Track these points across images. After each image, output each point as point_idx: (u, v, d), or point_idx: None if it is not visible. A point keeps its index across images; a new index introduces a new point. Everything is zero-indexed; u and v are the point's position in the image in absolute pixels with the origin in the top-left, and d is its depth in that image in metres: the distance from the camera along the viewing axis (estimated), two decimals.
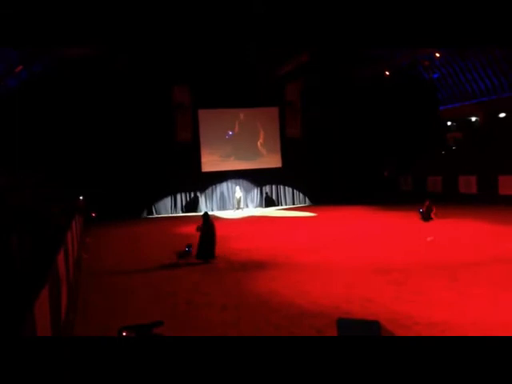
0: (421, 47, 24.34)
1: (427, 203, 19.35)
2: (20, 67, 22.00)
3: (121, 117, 26.47)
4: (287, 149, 30.01)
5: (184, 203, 28.61)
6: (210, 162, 29.04)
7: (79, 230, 17.84)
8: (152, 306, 9.03)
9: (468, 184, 25.52)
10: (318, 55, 26.11)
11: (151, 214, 27.67)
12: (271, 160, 30.05)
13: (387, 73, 29.84)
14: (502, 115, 29.58)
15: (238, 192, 28.11)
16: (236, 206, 27.78)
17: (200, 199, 28.81)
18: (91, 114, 25.93)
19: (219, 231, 17.57)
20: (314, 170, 29.61)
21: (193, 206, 28.47)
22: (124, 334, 5.25)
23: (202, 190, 28.91)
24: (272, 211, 27.55)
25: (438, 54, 27.95)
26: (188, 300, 9.36)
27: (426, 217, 18.94)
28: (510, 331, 6.58)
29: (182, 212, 28.08)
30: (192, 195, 28.79)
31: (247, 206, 29.00)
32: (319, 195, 29.42)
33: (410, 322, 7.23)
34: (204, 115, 28.95)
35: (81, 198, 23.05)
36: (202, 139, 28.93)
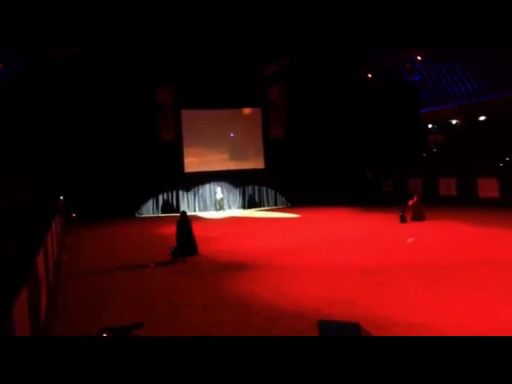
0: (414, 46, 24.42)
1: (415, 199, 19.42)
2: (0, 66, 21.74)
3: (103, 117, 26.32)
4: (270, 150, 30.08)
5: (166, 204, 28.50)
6: (193, 163, 28.99)
7: (59, 231, 17.66)
8: (132, 307, 8.97)
9: (448, 186, 25.80)
10: (302, 57, 26.24)
11: (133, 214, 27.51)
12: (254, 161, 30.10)
13: (370, 75, 30.08)
14: (482, 118, 29.99)
15: (219, 193, 28.21)
16: (218, 206, 27.86)
17: (182, 200, 28.72)
18: (73, 114, 25.75)
19: (201, 232, 17.55)
20: (296, 172, 29.72)
21: (175, 206, 28.37)
22: (104, 335, 5.21)
23: (185, 190, 28.84)
24: (254, 212, 27.58)
25: (419, 57, 28.24)
26: (168, 301, 9.32)
27: (418, 214, 18.98)
28: (490, 333, 6.66)
29: (164, 213, 27.96)
30: (174, 196, 28.69)
31: (229, 207, 28.97)
32: (302, 196, 29.52)
33: (389, 324, 7.27)
34: (187, 116, 28.88)
35: (61, 198, 22.82)
36: (185, 140, 28.87)
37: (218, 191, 28.34)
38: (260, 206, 29.71)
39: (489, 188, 23.23)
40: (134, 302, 9.36)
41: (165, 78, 27.05)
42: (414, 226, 17.89)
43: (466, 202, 23.39)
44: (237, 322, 7.82)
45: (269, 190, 30.20)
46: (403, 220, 18.74)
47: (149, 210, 28.08)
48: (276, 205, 30.05)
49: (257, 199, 30.01)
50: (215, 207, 28.12)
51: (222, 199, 28.19)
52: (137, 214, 27.52)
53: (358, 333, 4.12)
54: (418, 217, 19.00)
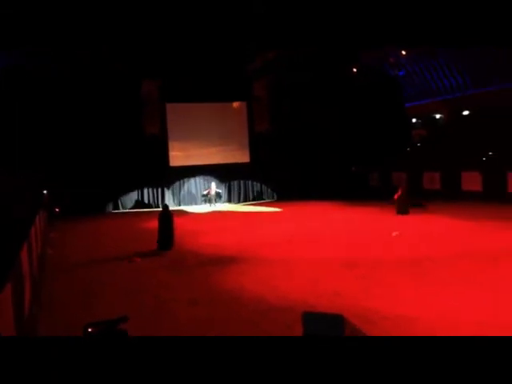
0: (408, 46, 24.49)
1: (400, 193, 19.49)
2: None
3: (87, 110, 26.06)
4: (256, 144, 30.06)
5: (151, 198, 28.34)
6: (178, 157, 28.84)
7: (43, 225, 17.47)
8: (119, 301, 8.90)
9: (432, 180, 26.01)
10: (287, 52, 26.22)
11: (117, 208, 27.32)
12: (239, 155, 30.03)
13: (355, 70, 30.17)
14: (466, 113, 30.23)
15: (214, 188, 27.96)
16: (213, 201, 27.73)
17: (167, 194, 28.58)
18: (55, 107, 25.43)
19: (187, 226, 17.50)
20: (282, 166, 29.72)
21: (160, 200, 28.22)
22: (89, 330, 5.15)
23: (170, 184, 28.70)
24: (240, 206, 27.56)
25: (403, 52, 28.36)
26: (156, 295, 9.27)
27: (403, 208, 19.07)
28: (475, 326, 6.73)
29: (149, 207, 27.80)
30: (159, 190, 28.53)
31: (215, 201, 28.92)
32: (287, 190, 29.53)
33: (377, 317, 7.31)
34: (172, 109, 28.73)
35: (45, 192, 22.57)
36: (169, 133, 28.72)
37: (213, 186, 27.97)
38: (246, 200, 29.68)
39: (472, 182, 23.47)
40: (121, 297, 9.29)
41: (150, 72, 26.84)
42: (398, 220, 17.99)
43: (449, 196, 23.60)
44: (226, 315, 7.80)
45: (254, 183, 30.17)
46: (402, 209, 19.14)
47: (133, 203, 27.88)
48: (262, 199, 30.04)
49: (242, 193, 29.97)
50: (209, 201, 27.85)
51: (216, 193, 28.01)
52: (121, 208, 27.33)
53: (341, 325, 4.13)
54: (402, 210, 19.05)
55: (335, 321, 4.29)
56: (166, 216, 14.58)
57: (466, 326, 6.72)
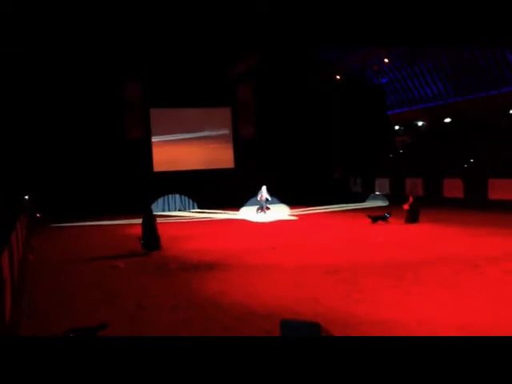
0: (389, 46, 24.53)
1: (411, 201, 18.63)
2: None
3: (68, 114, 25.84)
4: (240, 149, 30.09)
5: (134, 203, 28.13)
6: (162, 162, 28.75)
7: (24, 231, 17.32)
8: (100, 307, 8.87)
9: (414, 186, 26.25)
10: (271, 57, 26.34)
11: (100, 213, 27.09)
12: (224, 160, 30.04)
13: (338, 77, 30.41)
14: (448, 120, 30.62)
15: (265, 192, 24.67)
16: (264, 207, 24.59)
17: (151, 199, 28.41)
18: (36, 112, 25.17)
19: (169, 232, 17.45)
20: (266, 171, 29.71)
21: (143, 205, 28.01)
22: (70, 336, 5.15)
23: (153, 189, 28.55)
24: (223, 212, 27.52)
25: (386, 60, 28.66)
26: (136, 300, 9.25)
27: (412, 217, 18.21)
28: (453, 329, 6.83)
29: (132, 212, 27.59)
30: (143, 195, 28.35)
31: (198, 207, 28.86)
32: (271, 196, 29.53)
33: (356, 322, 7.38)
34: (156, 114, 28.67)
35: (26, 197, 22.37)
36: (153, 138, 28.65)
37: (264, 190, 24.60)
38: (229, 206, 29.62)
39: (453, 188, 23.74)
40: (102, 303, 9.25)
41: (133, 75, 26.76)
42: (379, 226, 18.13)
43: (431, 202, 23.84)
44: (206, 321, 7.82)
45: (238, 189, 30.12)
46: (374, 221, 18.50)
47: (116, 209, 27.66)
48: (245, 205, 30.01)
49: (226, 198, 29.88)
50: (260, 208, 24.64)
51: (266, 199, 24.57)
52: (103, 214, 27.10)
53: (317, 332, 4.21)
54: (412, 219, 18.19)
55: (312, 328, 4.38)
56: (150, 217, 14.87)
57: (445, 329, 6.82)
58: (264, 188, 24.80)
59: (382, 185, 28.52)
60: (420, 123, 33.14)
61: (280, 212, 25.08)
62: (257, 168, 29.57)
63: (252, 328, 7.30)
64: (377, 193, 18.01)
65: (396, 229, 17.35)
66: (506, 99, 26.23)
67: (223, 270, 11.74)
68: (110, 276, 11.78)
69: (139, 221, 15.67)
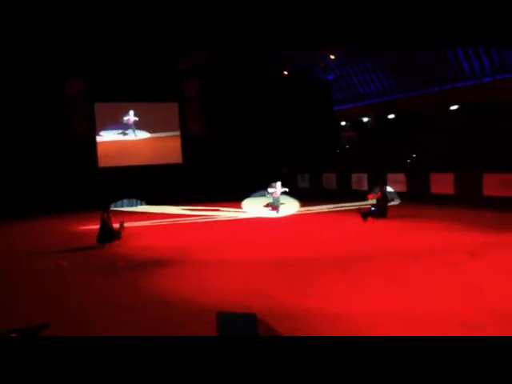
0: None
1: (379, 193, 18.33)
2: None
3: (7, 108, 24.95)
4: (188, 145, 29.87)
5: (79, 199, 27.43)
6: (107, 158, 28.18)
7: None
8: (41, 307, 8.59)
9: (360, 181, 26.82)
10: (220, 53, 26.21)
11: (43, 211, 26.27)
12: (171, 156, 29.75)
13: (286, 73, 30.65)
14: (391, 116, 31.40)
15: (280, 188, 21.61)
16: (278, 204, 21.63)
17: (97, 195, 27.77)
18: None
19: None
20: (214, 167, 29.64)
21: (89, 202, 27.37)
22: (11, 336, 4.98)
23: (99, 185, 27.91)
24: (173, 208, 27.24)
25: (332, 56, 29.09)
26: (80, 299, 9.03)
27: (381, 210, 17.78)
28: (400, 322, 7.03)
29: (77, 209, 26.90)
30: (88, 191, 27.67)
31: (146, 204, 28.48)
32: (220, 192, 29.45)
33: (304, 315, 7.47)
34: (100, 109, 28.05)
35: None
36: (98, 134, 28.05)
37: (278, 186, 21.49)
38: (179, 202, 29.33)
39: (398, 183, 24.39)
40: (43, 302, 8.99)
41: (76, 69, 26.04)
42: (328, 218, 18.41)
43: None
44: (153, 318, 7.72)
45: (187, 185, 29.87)
46: (365, 218, 17.56)
47: (60, 206, 26.88)
48: (194, 201, 29.79)
49: (174, 195, 29.58)
50: (272, 204, 21.68)
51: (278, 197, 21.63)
52: (46, 211, 26.29)
53: (254, 324, 4.25)
54: (381, 214, 17.83)
55: (248, 320, 4.42)
56: (105, 212, 15.26)
57: (391, 321, 7.00)
58: (279, 184, 21.70)
59: (329, 180, 28.97)
60: (365, 119, 33.84)
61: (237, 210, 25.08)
62: (205, 164, 29.46)
63: (201, 324, 7.24)
64: (389, 189, 17.03)
65: (340, 223, 17.66)
66: (446, 96, 27.13)
67: (173, 267, 11.59)
68: (52, 273, 11.45)
69: (82, 217, 15.48)
